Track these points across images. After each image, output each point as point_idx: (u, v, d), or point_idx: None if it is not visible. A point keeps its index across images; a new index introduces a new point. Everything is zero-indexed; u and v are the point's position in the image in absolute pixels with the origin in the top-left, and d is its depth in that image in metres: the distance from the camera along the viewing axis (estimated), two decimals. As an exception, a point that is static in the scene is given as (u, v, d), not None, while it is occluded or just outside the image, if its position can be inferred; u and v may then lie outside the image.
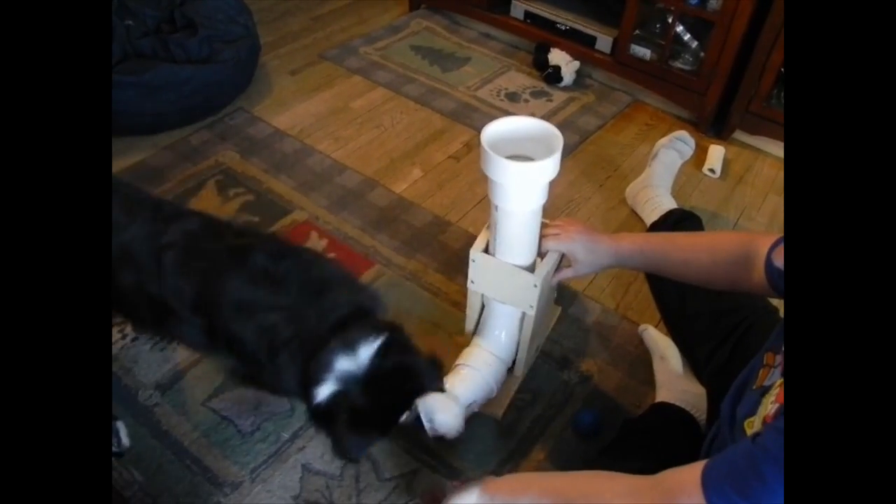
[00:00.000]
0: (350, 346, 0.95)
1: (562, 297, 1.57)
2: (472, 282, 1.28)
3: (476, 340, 1.35)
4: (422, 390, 1.00)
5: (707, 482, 0.70)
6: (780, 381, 0.83)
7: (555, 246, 1.18)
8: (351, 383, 0.95)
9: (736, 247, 0.99)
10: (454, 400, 1.13)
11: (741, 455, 0.69)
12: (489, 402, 1.34)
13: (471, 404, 1.27)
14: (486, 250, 1.22)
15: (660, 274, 1.12)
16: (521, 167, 1.01)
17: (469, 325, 1.39)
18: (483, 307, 1.35)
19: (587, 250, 1.15)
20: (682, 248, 1.08)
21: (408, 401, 1.00)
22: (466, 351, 1.34)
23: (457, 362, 1.31)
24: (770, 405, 0.80)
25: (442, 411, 1.07)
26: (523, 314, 1.27)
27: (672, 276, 1.10)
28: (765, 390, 0.85)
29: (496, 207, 1.11)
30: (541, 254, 1.21)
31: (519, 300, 1.23)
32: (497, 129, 1.06)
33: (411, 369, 1.00)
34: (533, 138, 1.08)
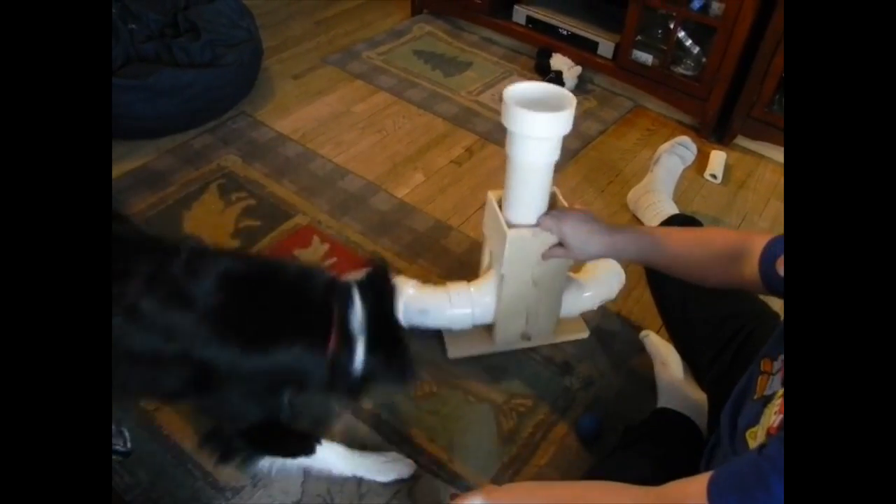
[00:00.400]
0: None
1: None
2: (485, 224, 1.36)
3: (471, 282, 1.41)
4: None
5: (713, 494, 0.70)
6: (782, 390, 0.82)
7: (547, 224, 1.21)
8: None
9: (730, 242, 1.00)
10: (408, 295, 1.34)
11: (747, 466, 0.69)
12: (454, 342, 1.44)
13: (424, 312, 1.35)
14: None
15: (653, 267, 1.13)
16: (525, 114, 1.10)
17: (482, 270, 1.46)
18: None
19: (577, 237, 1.17)
20: (675, 241, 1.09)
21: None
22: (459, 282, 1.40)
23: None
24: (774, 416, 0.80)
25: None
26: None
27: (664, 270, 1.11)
28: (766, 400, 0.85)
29: (507, 157, 1.19)
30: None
31: (498, 254, 1.29)
32: (521, 88, 1.16)
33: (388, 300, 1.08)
34: (552, 103, 1.14)
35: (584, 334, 1.53)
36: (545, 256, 1.26)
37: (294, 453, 1.16)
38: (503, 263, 1.27)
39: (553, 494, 0.91)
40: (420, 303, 1.36)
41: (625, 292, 1.63)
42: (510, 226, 1.24)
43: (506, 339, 1.44)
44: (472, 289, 1.38)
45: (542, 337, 1.48)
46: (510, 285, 1.31)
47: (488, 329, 1.44)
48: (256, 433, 1.09)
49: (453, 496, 0.96)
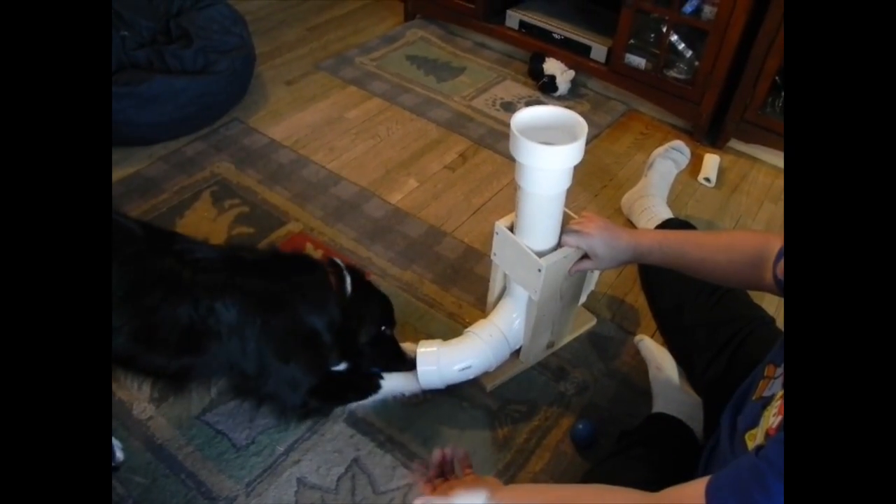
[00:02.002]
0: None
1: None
2: (495, 254, 1.33)
3: (491, 315, 1.39)
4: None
5: (711, 497, 0.70)
6: (781, 392, 0.82)
7: (574, 242, 1.20)
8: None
9: (752, 248, 1.00)
10: (442, 357, 1.31)
11: (745, 468, 0.69)
12: (486, 374, 1.38)
13: (466, 368, 1.32)
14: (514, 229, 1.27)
15: (676, 270, 1.13)
16: (537, 148, 1.06)
17: (490, 297, 1.44)
18: (505, 286, 1.40)
19: (606, 247, 1.18)
20: (699, 247, 1.10)
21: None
22: (479, 321, 1.39)
23: (467, 329, 1.38)
24: (772, 418, 0.80)
25: (422, 364, 1.30)
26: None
27: (688, 273, 1.12)
28: (766, 402, 0.84)
29: (518, 187, 1.17)
30: (561, 246, 1.23)
31: (527, 282, 1.26)
32: (527, 115, 1.13)
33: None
34: (560, 127, 1.13)
35: (594, 321, 1.54)
36: (573, 271, 1.25)
37: (364, 394, 1.33)
38: (537, 291, 1.24)
39: (556, 495, 0.92)
40: (459, 360, 1.32)
41: (619, 297, 1.63)
42: (536, 253, 1.21)
43: (534, 354, 1.44)
44: (496, 321, 1.36)
45: (562, 339, 1.49)
46: (541, 307, 1.29)
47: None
48: (321, 390, 1.24)
49: (450, 483, 0.97)
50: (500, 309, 1.38)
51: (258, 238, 1.71)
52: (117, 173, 1.89)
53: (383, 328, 1.30)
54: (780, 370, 0.88)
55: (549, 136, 1.11)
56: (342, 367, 1.30)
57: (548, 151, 1.07)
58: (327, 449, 1.28)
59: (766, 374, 0.91)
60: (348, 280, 1.22)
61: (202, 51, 2.02)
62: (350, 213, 1.82)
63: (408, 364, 1.32)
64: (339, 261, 1.25)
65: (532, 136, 1.07)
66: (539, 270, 1.20)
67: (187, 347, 1.08)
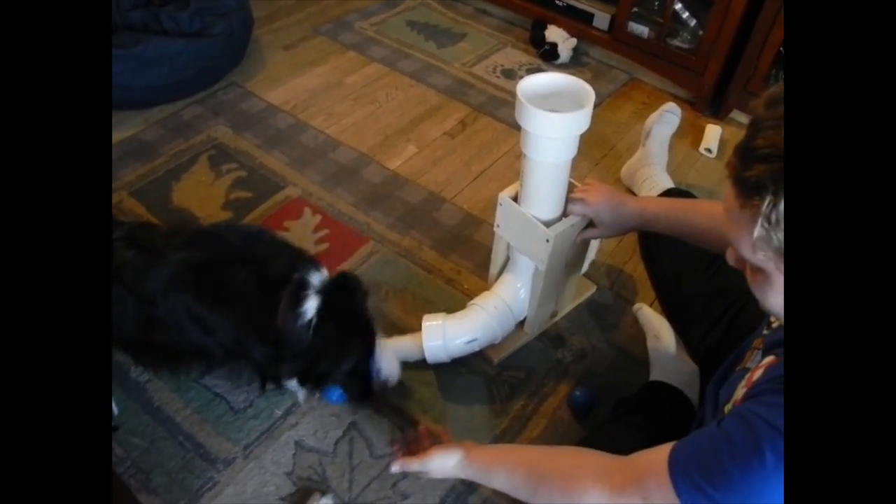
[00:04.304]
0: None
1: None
2: (498, 225, 1.32)
3: (494, 287, 1.39)
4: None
5: (673, 464, 0.72)
6: (757, 363, 0.83)
7: (580, 210, 1.20)
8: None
9: None
10: (447, 331, 1.30)
11: (706, 438, 0.72)
12: (492, 347, 1.38)
13: (472, 341, 1.33)
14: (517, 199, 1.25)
15: (681, 237, 1.13)
16: (546, 116, 1.05)
17: (493, 269, 1.44)
18: (508, 257, 1.40)
19: (612, 213, 1.18)
20: (704, 215, 1.10)
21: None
22: (483, 294, 1.38)
23: (471, 302, 1.37)
24: (740, 390, 0.81)
25: (428, 339, 1.29)
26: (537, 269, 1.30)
27: (692, 241, 1.12)
28: (744, 373, 0.85)
29: (524, 156, 1.15)
30: (566, 215, 1.23)
31: (534, 253, 1.26)
32: (534, 83, 1.11)
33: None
34: (566, 94, 1.11)
35: (593, 289, 1.54)
36: (580, 239, 1.25)
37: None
38: (544, 261, 1.23)
39: (526, 456, 0.94)
40: (465, 333, 1.32)
41: (618, 266, 1.63)
42: (542, 223, 1.20)
43: (539, 324, 1.44)
44: (500, 293, 1.36)
45: (564, 308, 1.49)
46: (548, 277, 1.28)
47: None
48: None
49: (429, 445, 0.99)
50: (503, 280, 1.38)
51: (256, 202, 1.70)
52: (113, 137, 1.86)
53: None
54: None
55: (555, 103, 1.10)
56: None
57: (556, 118, 1.05)
58: (325, 413, 1.29)
59: (753, 345, 0.91)
60: (309, 307, 1.08)
61: (198, 13, 1.98)
62: (349, 178, 1.81)
63: (370, 395, 1.24)
64: (312, 280, 1.11)
65: (538, 104, 1.06)
66: (547, 240, 1.19)
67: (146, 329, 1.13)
